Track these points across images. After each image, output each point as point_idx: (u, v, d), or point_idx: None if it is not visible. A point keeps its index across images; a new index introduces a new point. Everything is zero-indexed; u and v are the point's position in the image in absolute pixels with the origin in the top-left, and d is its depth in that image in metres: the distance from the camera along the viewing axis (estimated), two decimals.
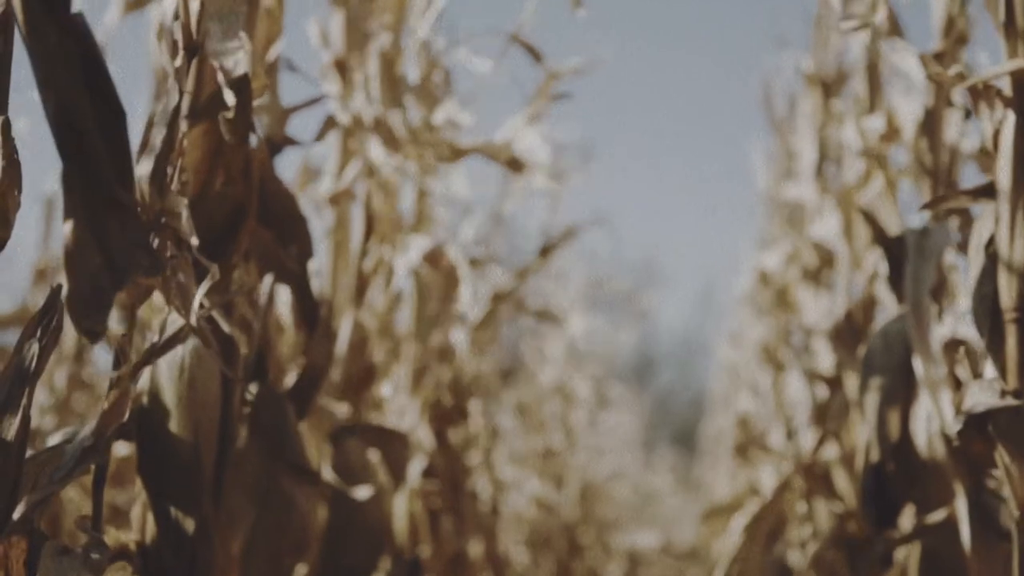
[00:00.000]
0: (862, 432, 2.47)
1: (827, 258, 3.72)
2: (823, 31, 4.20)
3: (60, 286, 1.40)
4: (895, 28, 2.00)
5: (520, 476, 5.98)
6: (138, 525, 1.75)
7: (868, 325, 2.94)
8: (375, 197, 2.90)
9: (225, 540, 1.88)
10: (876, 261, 2.87)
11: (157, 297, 1.55)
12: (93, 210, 1.05)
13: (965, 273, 2.40)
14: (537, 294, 6.37)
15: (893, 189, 2.69)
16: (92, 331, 1.09)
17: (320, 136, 2.62)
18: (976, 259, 1.76)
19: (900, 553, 2.43)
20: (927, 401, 2.21)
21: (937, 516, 2.20)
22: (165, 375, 1.73)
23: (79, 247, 1.05)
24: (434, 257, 3.15)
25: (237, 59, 1.59)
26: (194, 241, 1.52)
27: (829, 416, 2.92)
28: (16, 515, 1.26)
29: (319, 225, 2.88)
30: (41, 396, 4.05)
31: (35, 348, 1.36)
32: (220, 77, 1.63)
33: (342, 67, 2.86)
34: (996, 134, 1.71)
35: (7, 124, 1.30)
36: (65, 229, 1.07)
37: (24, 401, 1.35)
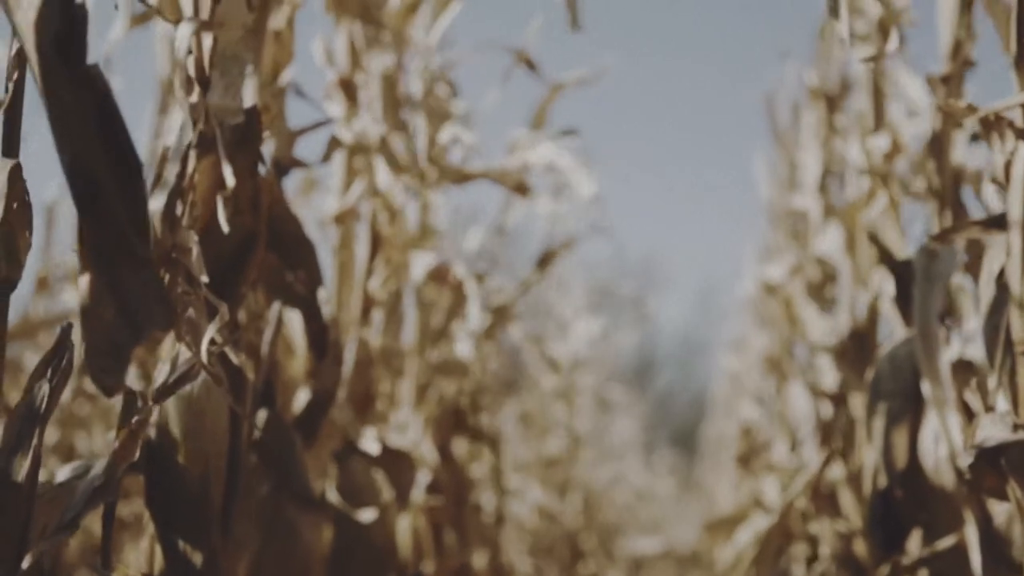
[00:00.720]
0: (869, 453, 2.46)
1: (831, 273, 3.71)
2: (826, 43, 4.20)
3: (70, 325, 1.40)
4: (902, 51, 2.00)
5: (523, 484, 5.98)
6: (146, 557, 1.74)
7: (873, 343, 2.94)
8: (380, 217, 2.90)
9: (231, 568, 1.87)
10: (881, 280, 2.87)
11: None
12: (108, 263, 1.05)
13: (973, 294, 2.39)
14: (540, 302, 6.38)
15: (896, 209, 2.68)
16: (111, 388, 1.08)
17: (326, 157, 2.61)
18: (987, 290, 1.76)
19: None
20: (935, 425, 2.21)
21: (946, 542, 2.20)
22: (173, 407, 1.73)
23: (94, 300, 1.04)
24: (439, 274, 3.14)
25: (236, 120, 1.59)
26: (204, 279, 1.51)
27: (835, 435, 2.91)
28: (25, 563, 1.26)
29: (324, 244, 2.88)
30: None
31: (45, 389, 1.36)
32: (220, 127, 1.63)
33: (347, 86, 2.86)
34: (1008, 165, 1.71)
35: (17, 168, 1.30)
36: (80, 282, 1.06)
37: (35, 442, 1.34)
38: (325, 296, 2.28)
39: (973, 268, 2.22)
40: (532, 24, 3.29)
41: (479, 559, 4.32)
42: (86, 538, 3.16)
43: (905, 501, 2.25)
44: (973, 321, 2.48)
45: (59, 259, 4.58)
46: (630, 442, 12.59)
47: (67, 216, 4.35)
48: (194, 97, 1.55)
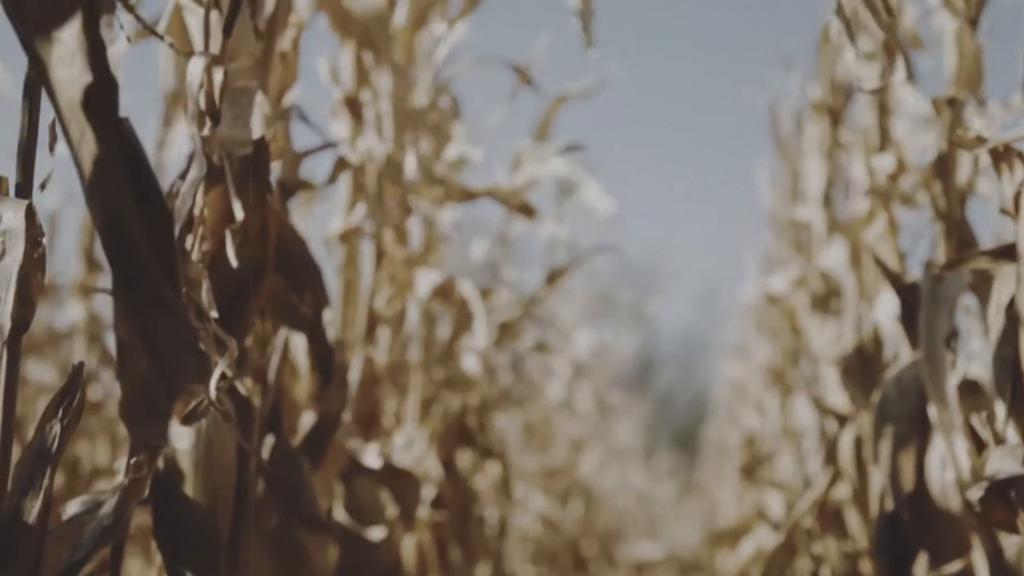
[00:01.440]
0: (876, 475, 2.46)
1: (835, 287, 3.71)
2: (829, 54, 4.19)
3: (82, 365, 1.40)
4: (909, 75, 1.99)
5: (526, 493, 5.97)
6: None
7: (879, 361, 2.93)
8: (385, 234, 2.90)
9: None
10: (886, 299, 2.87)
11: None
12: (141, 313, 1.05)
13: (977, 313, 2.39)
14: (542, 310, 6.36)
15: (896, 230, 2.68)
16: (150, 444, 1.08)
17: (332, 178, 2.61)
18: (996, 321, 1.76)
19: None
20: (942, 450, 2.21)
21: (953, 567, 2.19)
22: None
23: (128, 351, 1.04)
24: (445, 290, 3.14)
25: (245, 151, 1.59)
26: (214, 314, 1.51)
27: (840, 454, 2.91)
28: None
29: (329, 263, 2.88)
30: None
31: (56, 428, 1.36)
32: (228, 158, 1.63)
33: (352, 104, 2.86)
34: (1017, 196, 1.71)
35: (31, 208, 1.30)
36: (115, 334, 1.07)
37: (46, 483, 1.34)
38: (330, 317, 2.28)
39: (978, 289, 2.23)
40: (537, 35, 3.30)
41: (483, 570, 4.31)
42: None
43: (912, 525, 2.25)
44: (977, 341, 2.48)
45: (61, 268, 4.58)
46: (631, 445, 12.59)
47: (70, 225, 4.35)
48: (205, 130, 1.55)
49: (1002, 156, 1.71)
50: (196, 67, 1.54)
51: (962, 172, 2.50)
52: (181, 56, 1.66)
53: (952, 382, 2.18)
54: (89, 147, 1.01)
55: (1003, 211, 1.74)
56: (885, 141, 2.88)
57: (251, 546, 1.92)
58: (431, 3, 2.97)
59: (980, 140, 1.70)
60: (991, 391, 2.07)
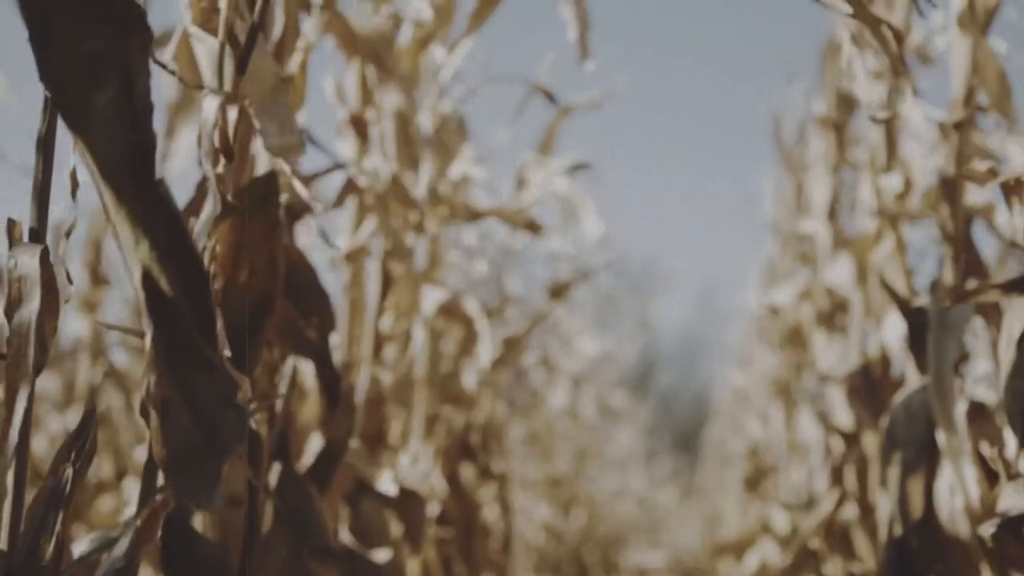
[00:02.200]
0: (883, 499, 2.45)
1: (841, 303, 3.70)
2: (834, 66, 4.19)
3: (94, 408, 1.40)
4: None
5: (529, 503, 5.97)
6: None
7: (885, 381, 2.93)
8: (391, 254, 2.89)
9: None
10: (893, 320, 2.86)
11: None
12: (181, 371, 1.06)
13: (986, 338, 2.39)
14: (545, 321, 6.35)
15: (903, 251, 2.68)
16: (199, 503, 1.09)
17: (339, 202, 2.61)
18: (1007, 354, 1.75)
19: None
20: (951, 476, 2.20)
21: None
22: None
23: (169, 407, 1.05)
24: (450, 308, 3.13)
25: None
26: (226, 352, 1.51)
27: (847, 473, 2.91)
28: None
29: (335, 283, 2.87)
30: (55, 427, 4.05)
31: (69, 472, 1.36)
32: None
33: (358, 124, 2.85)
34: None
35: (46, 252, 1.30)
36: (155, 391, 1.08)
37: (58, 527, 1.34)
38: (337, 340, 2.27)
39: (986, 311, 2.23)
40: (538, 42, 3.30)
41: None
42: None
43: (920, 551, 2.24)
44: (985, 362, 2.48)
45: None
46: (632, 450, 12.59)
47: (76, 235, 4.34)
48: (220, 168, 1.55)
49: (1013, 189, 1.71)
50: (210, 105, 1.53)
51: (969, 195, 2.50)
52: (192, 89, 1.66)
53: (961, 408, 2.18)
54: (127, 208, 1.01)
55: (1013, 244, 1.73)
56: (892, 160, 2.88)
57: (260, 571, 1.92)
58: (436, 22, 2.96)
59: (992, 173, 1.70)
60: (1002, 420, 2.07)
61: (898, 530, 2.27)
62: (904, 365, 2.91)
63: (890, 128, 2.87)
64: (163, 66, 1.62)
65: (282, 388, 2.08)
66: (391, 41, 2.85)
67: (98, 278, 3.97)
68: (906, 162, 2.86)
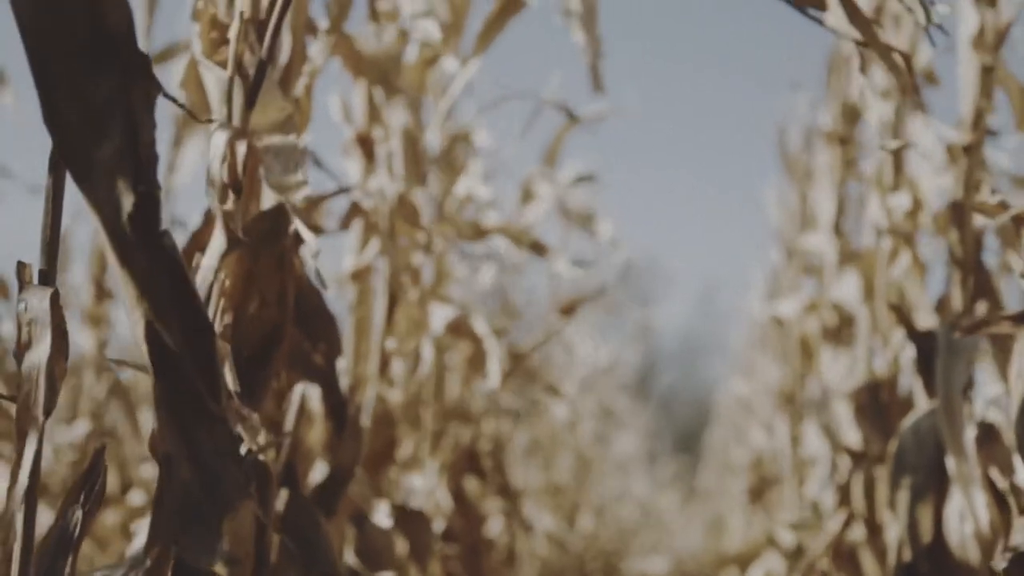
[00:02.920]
0: (891, 521, 2.45)
1: (847, 318, 3.69)
2: (840, 79, 4.18)
3: (104, 447, 1.39)
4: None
5: (533, 512, 5.96)
6: None
7: (893, 400, 2.92)
8: (398, 273, 2.88)
9: None
10: (901, 340, 2.85)
11: None
12: (184, 423, 1.05)
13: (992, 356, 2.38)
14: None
15: (921, 271, 2.67)
16: (199, 561, 1.08)
17: (346, 224, 2.60)
18: (1018, 384, 1.75)
19: None
20: (960, 502, 2.20)
21: None
22: None
23: (170, 460, 1.05)
24: (458, 327, 3.13)
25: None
26: (236, 388, 1.50)
27: (854, 493, 2.90)
28: None
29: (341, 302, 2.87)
30: (60, 437, 4.05)
31: (78, 515, 1.35)
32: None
33: (364, 142, 2.85)
34: None
35: (56, 295, 1.29)
36: (158, 442, 1.07)
37: (68, 570, 1.33)
38: (343, 365, 2.27)
39: (995, 338, 2.22)
40: (541, 49, 3.29)
41: None
42: None
43: None
44: (993, 385, 2.47)
45: (72, 296, 4.57)
46: (634, 454, 12.58)
47: (79, 244, 4.34)
48: (229, 204, 1.54)
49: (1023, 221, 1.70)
50: (219, 140, 1.53)
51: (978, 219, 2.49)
52: (200, 123, 1.65)
53: (970, 433, 2.17)
54: (132, 260, 1.01)
55: (1023, 276, 1.73)
56: (899, 178, 2.87)
57: None
58: (444, 40, 2.96)
59: (1003, 207, 1.69)
60: (1012, 446, 2.07)
61: (908, 554, 2.27)
62: (912, 384, 2.90)
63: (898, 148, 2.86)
64: (173, 99, 1.61)
65: (290, 415, 2.07)
66: (398, 60, 2.85)
67: (103, 292, 3.96)
68: (914, 181, 2.85)
